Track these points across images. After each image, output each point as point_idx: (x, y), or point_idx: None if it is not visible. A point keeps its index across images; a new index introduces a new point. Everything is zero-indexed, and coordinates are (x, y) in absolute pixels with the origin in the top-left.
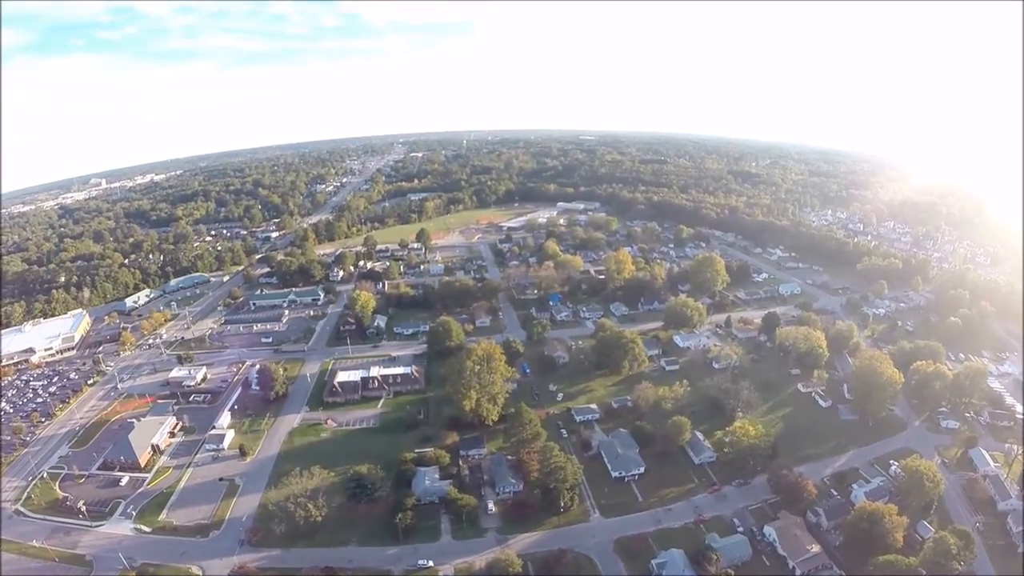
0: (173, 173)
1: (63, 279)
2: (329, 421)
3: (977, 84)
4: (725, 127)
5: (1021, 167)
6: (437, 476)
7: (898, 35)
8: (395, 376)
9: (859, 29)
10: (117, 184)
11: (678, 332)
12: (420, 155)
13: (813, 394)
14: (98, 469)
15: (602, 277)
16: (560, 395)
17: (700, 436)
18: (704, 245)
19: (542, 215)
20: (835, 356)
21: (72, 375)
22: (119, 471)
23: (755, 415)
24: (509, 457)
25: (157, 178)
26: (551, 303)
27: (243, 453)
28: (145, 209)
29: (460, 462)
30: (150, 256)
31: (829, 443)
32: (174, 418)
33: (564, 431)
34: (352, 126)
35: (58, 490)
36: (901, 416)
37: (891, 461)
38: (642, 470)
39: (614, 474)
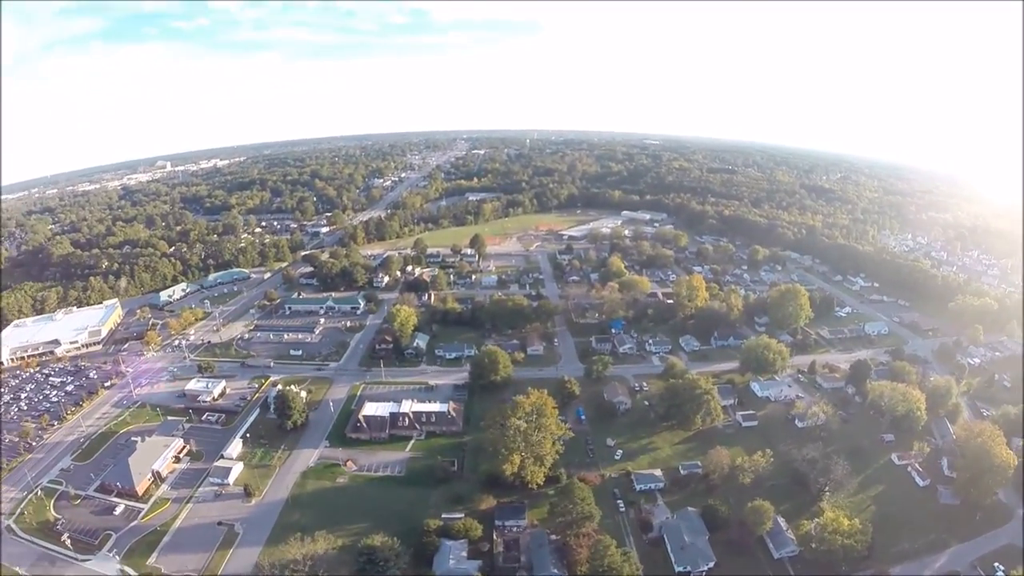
0: (236, 160)
1: (104, 266)
2: (349, 463)
3: None
4: (791, 136)
5: None
6: (464, 554)
7: (981, 50)
8: (429, 414)
9: (936, 41)
10: (181, 168)
11: (756, 378)
12: (482, 152)
13: (909, 468)
14: (95, 491)
15: (671, 302)
16: (619, 452)
17: (782, 523)
18: (780, 268)
19: (606, 224)
20: (931, 417)
21: (92, 374)
22: (115, 496)
23: (844, 494)
24: (553, 537)
25: (220, 163)
26: (613, 331)
27: (248, 493)
28: (202, 195)
29: (494, 535)
30: (196, 246)
31: (928, 536)
32: (181, 440)
33: (621, 502)
34: (416, 120)
35: (52, 510)
36: (1006, 502)
37: (996, 564)
38: (711, 565)
39: (678, 568)
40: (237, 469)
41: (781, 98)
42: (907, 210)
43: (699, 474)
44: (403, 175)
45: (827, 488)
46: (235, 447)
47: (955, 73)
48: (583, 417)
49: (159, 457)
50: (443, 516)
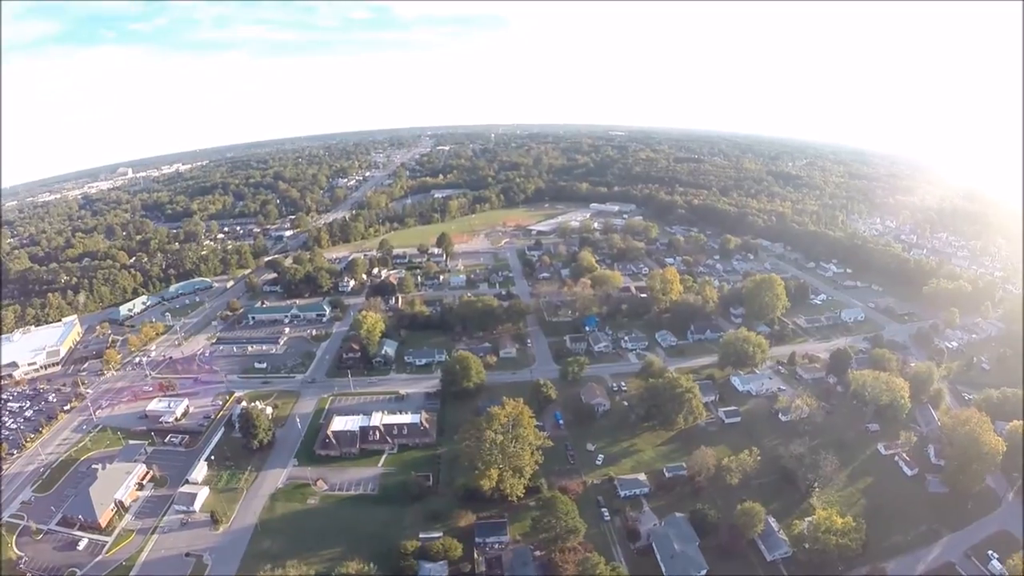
0: (198, 163)
1: (63, 280)
2: (320, 482)
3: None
4: (756, 124)
5: None
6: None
7: (934, 34)
8: (401, 426)
9: (895, 28)
10: (143, 174)
11: (737, 372)
12: (447, 149)
13: (896, 458)
14: (57, 524)
15: (644, 296)
16: (600, 457)
17: (774, 524)
18: (752, 257)
19: (575, 217)
20: (914, 405)
21: (51, 397)
22: (78, 530)
23: (833, 488)
24: (537, 552)
25: (182, 168)
26: (587, 328)
27: (215, 520)
28: (163, 202)
29: (475, 553)
30: (157, 255)
31: (919, 527)
32: (143, 466)
33: (605, 510)
34: (380, 118)
35: (14, 548)
36: (994, 487)
37: (989, 552)
38: (704, 573)
39: None
40: (203, 494)
41: (743, 87)
42: (874, 194)
43: (684, 476)
44: (367, 174)
45: (816, 484)
46: (200, 470)
47: (912, 59)
48: (561, 422)
49: (121, 485)
50: (420, 536)
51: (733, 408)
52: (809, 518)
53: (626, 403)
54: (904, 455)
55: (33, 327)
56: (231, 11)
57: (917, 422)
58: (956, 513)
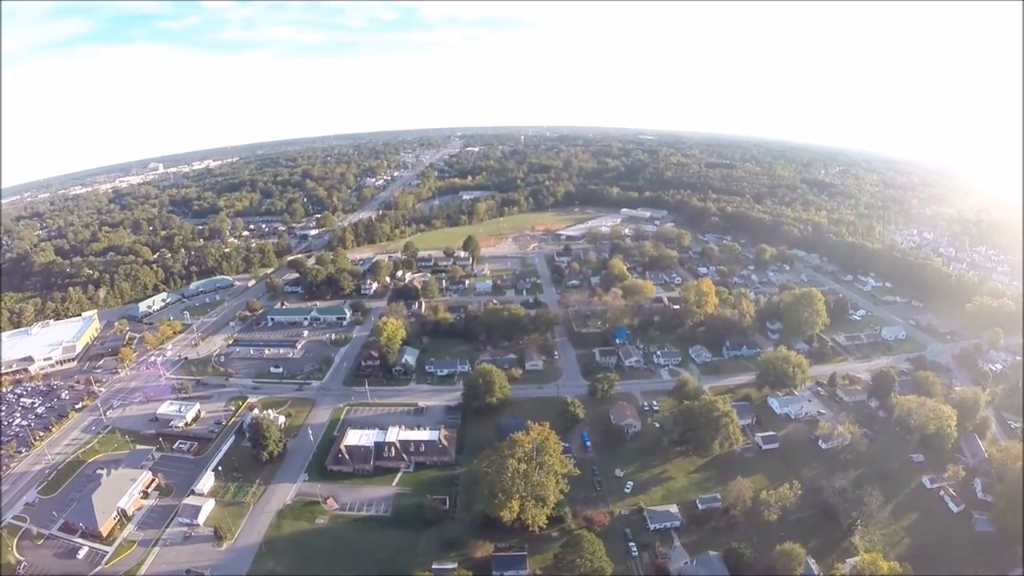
0: (228, 160)
1: (85, 274)
2: (330, 500)
3: None
4: (786, 130)
5: None
6: None
7: (963, 40)
8: (418, 443)
9: (923, 35)
10: (173, 169)
11: (774, 393)
12: (476, 150)
13: (942, 493)
14: (59, 530)
15: (677, 308)
16: (629, 484)
17: (814, 566)
18: (788, 268)
19: (605, 223)
20: (960, 433)
21: (64, 394)
22: (79, 537)
23: (875, 525)
24: None
25: (213, 165)
26: (618, 341)
27: (219, 537)
28: (191, 197)
29: None
30: (180, 251)
31: (966, 570)
32: (149, 473)
33: (633, 545)
34: (410, 118)
35: (15, 551)
36: None
37: None
38: None
39: None
40: (208, 507)
41: (774, 92)
42: (909, 204)
43: (719, 509)
44: (396, 174)
45: (859, 521)
46: (206, 481)
47: (944, 67)
48: (588, 443)
49: (125, 493)
50: (433, 566)
51: (771, 433)
52: (851, 559)
53: (658, 425)
54: (950, 490)
55: (52, 321)
56: (260, 12)
57: (963, 453)
58: (1005, 556)
